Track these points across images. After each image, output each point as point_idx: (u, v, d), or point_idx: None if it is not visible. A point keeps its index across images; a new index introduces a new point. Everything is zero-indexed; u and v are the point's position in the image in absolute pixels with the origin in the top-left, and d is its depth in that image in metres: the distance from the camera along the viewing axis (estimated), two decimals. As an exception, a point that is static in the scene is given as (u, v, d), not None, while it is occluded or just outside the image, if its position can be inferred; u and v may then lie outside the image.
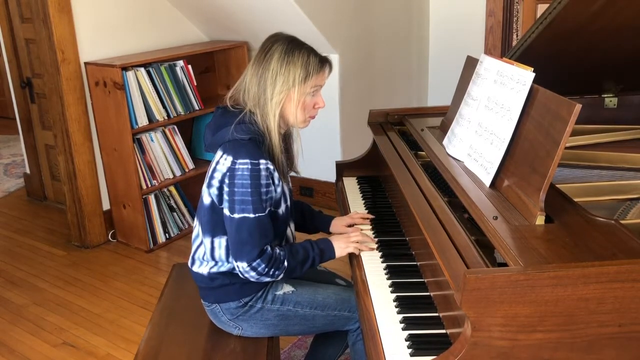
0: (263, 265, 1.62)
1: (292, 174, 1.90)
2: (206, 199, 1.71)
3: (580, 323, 1.10)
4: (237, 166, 1.60)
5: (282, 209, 1.72)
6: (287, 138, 1.81)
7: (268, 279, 1.67)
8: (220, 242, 1.72)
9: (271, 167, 1.63)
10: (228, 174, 1.61)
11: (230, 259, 1.71)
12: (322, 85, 1.71)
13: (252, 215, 1.60)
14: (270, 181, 1.64)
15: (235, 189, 1.60)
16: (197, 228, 1.78)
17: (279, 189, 1.68)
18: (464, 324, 1.13)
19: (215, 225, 1.70)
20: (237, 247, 1.62)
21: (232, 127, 1.64)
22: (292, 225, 1.84)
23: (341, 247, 1.76)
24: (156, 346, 1.75)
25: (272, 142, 1.66)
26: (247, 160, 1.59)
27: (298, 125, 1.73)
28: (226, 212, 1.64)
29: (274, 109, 1.64)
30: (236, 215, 1.60)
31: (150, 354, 1.72)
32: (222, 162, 1.64)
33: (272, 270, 1.64)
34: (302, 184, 3.97)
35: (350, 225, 1.93)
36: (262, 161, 1.60)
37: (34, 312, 2.85)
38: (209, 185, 1.68)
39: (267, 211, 1.64)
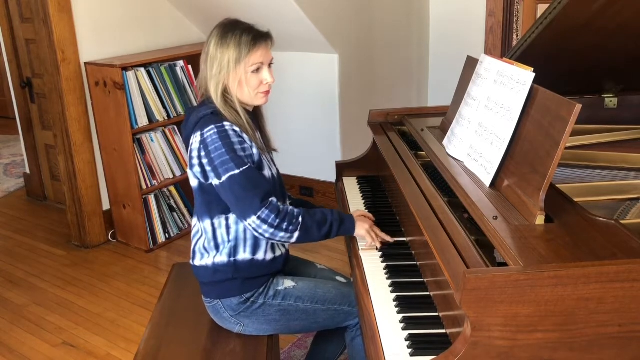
0: (273, 216, 1.63)
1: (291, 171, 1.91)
2: (193, 182, 1.75)
3: (580, 323, 1.10)
4: (205, 136, 1.66)
5: (267, 172, 1.73)
6: (259, 118, 1.85)
7: (283, 235, 1.65)
8: (220, 222, 1.73)
9: (237, 128, 1.67)
10: (201, 146, 1.66)
11: (231, 237, 1.72)
12: (263, 62, 1.72)
13: (237, 171, 1.63)
14: (242, 139, 1.67)
15: (212, 155, 1.64)
16: (195, 223, 1.81)
17: (254, 150, 1.70)
18: (464, 324, 1.13)
19: (210, 206, 1.73)
20: (239, 207, 1.64)
21: (195, 110, 1.73)
22: (287, 203, 1.85)
23: (364, 228, 1.77)
24: (156, 346, 1.75)
25: (229, 118, 1.70)
26: (212, 126, 1.65)
27: (251, 102, 1.76)
28: (214, 182, 1.66)
29: (214, 89, 1.70)
30: (224, 178, 1.63)
31: (150, 354, 1.72)
32: (194, 141, 1.70)
33: (285, 224, 1.64)
34: (302, 184, 3.97)
35: None
36: (226, 123, 1.67)
37: (34, 312, 2.85)
38: (191, 166, 1.72)
39: (250, 165, 1.66)
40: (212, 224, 1.74)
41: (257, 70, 1.71)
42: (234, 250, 1.73)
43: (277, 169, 1.84)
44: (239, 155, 1.64)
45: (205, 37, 3.94)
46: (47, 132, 3.91)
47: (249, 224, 1.65)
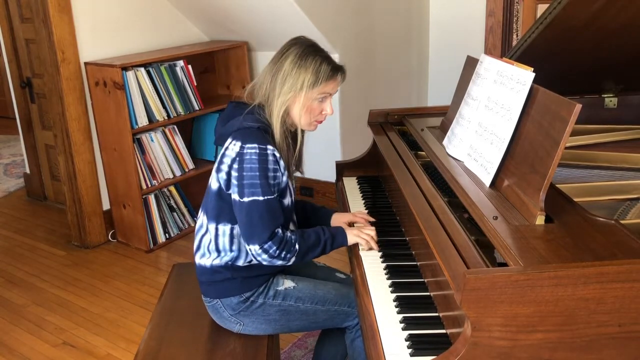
0: (274, 248, 1.64)
1: (297, 174, 1.91)
2: (214, 184, 1.74)
3: (580, 323, 1.10)
4: (245, 151, 1.63)
5: (287, 200, 1.74)
6: (296, 137, 1.81)
7: (280, 262, 1.68)
8: (225, 230, 1.73)
9: (277, 154, 1.66)
10: (237, 158, 1.65)
11: (234, 248, 1.73)
12: (331, 94, 1.74)
13: (261, 198, 1.62)
14: (278, 167, 1.67)
15: (244, 173, 1.63)
16: (201, 217, 1.80)
17: (284, 178, 1.70)
18: (464, 324, 1.13)
19: (221, 211, 1.73)
20: (249, 231, 1.64)
21: (241, 117, 1.69)
22: (291, 225, 1.85)
23: (353, 234, 1.78)
24: (156, 346, 1.75)
25: (275, 136, 1.70)
26: (255, 145, 1.63)
27: (302, 127, 1.76)
28: (235, 197, 1.66)
29: (278, 107, 1.69)
30: (246, 199, 1.63)
31: (150, 354, 1.72)
32: (231, 147, 1.67)
33: (284, 253, 1.66)
34: (302, 184, 3.97)
35: (351, 224, 1.93)
36: (270, 147, 1.65)
37: (34, 312, 2.85)
38: (218, 170, 1.71)
39: (275, 195, 1.66)
40: (217, 229, 1.74)
41: (322, 99, 1.72)
42: (234, 260, 1.74)
43: (294, 188, 1.84)
44: (269, 182, 1.64)
45: (206, 37, 3.97)
46: (47, 132, 3.91)
47: (250, 249, 1.66)
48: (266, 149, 1.64)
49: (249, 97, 1.78)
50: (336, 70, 1.72)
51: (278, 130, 1.70)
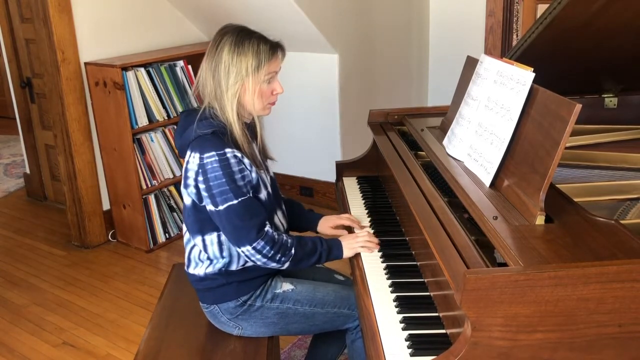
0: (268, 248, 1.63)
1: (278, 166, 1.87)
2: (187, 200, 1.72)
3: (580, 323, 1.10)
4: (205, 161, 1.61)
5: (262, 194, 1.72)
6: (253, 127, 1.79)
7: (274, 265, 1.67)
8: (212, 239, 1.72)
9: (238, 154, 1.63)
10: (200, 170, 1.62)
11: (225, 254, 1.72)
12: (277, 72, 1.71)
13: (235, 202, 1.61)
14: (243, 166, 1.64)
15: (211, 183, 1.61)
16: (186, 232, 1.79)
17: (253, 175, 1.67)
18: (464, 324, 1.13)
19: (202, 223, 1.71)
20: (235, 235, 1.63)
21: (194, 124, 1.65)
22: (279, 214, 1.83)
23: (349, 248, 1.76)
24: (156, 346, 1.75)
25: (235, 133, 1.67)
26: (213, 152, 1.60)
27: (258, 114, 1.74)
28: (210, 207, 1.64)
29: (230, 101, 1.66)
30: (221, 207, 1.61)
31: (150, 354, 1.72)
32: (191, 160, 1.65)
33: (279, 255, 1.65)
34: (302, 184, 3.97)
35: (339, 227, 1.92)
36: (228, 150, 1.61)
37: (34, 312, 2.85)
38: (186, 186, 1.69)
39: (249, 194, 1.65)
40: (203, 240, 1.73)
41: (270, 80, 1.69)
42: (227, 265, 1.73)
43: (271, 176, 1.82)
44: (239, 185, 1.62)
45: (206, 37, 3.96)
46: (47, 132, 3.91)
47: (243, 252, 1.65)
48: (225, 153, 1.60)
49: (198, 100, 1.74)
50: (275, 47, 1.69)
51: (237, 126, 1.66)
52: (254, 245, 1.62)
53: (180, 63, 3.49)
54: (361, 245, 1.75)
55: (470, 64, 1.89)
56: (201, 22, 3.86)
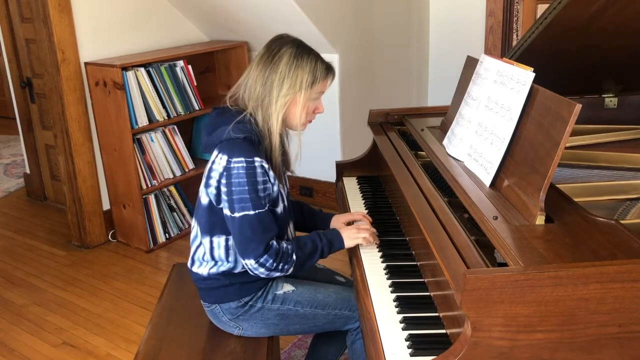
0: (271, 261, 1.63)
1: (288, 174, 1.89)
2: (204, 199, 1.71)
3: (580, 323, 1.10)
4: (232, 165, 1.60)
5: (279, 208, 1.73)
6: (282, 139, 1.80)
7: (278, 274, 1.68)
8: (219, 242, 1.72)
9: (266, 165, 1.63)
10: (225, 173, 1.62)
11: (230, 259, 1.72)
12: (324, 92, 1.75)
13: (252, 212, 1.60)
14: (267, 178, 1.64)
15: (233, 188, 1.60)
16: (195, 229, 1.78)
17: (275, 188, 1.68)
18: (464, 324, 1.13)
19: (214, 224, 1.71)
20: (242, 245, 1.63)
21: (229, 126, 1.64)
22: (291, 225, 1.85)
23: (350, 237, 1.77)
24: (156, 346, 1.75)
25: (273, 143, 1.68)
26: (242, 159, 1.60)
27: (296, 128, 1.75)
28: (226, 211, 1.64)
29: (277, 111, 1.66)
30: (237, 214, 1.61)
31: (150, 354, 1.72)
32: (217, 161, 1.64)
33: (281, 265, 1.65)
34: (302, 184, 3.97)
35: (349, 223, 1.93)
36: (257, 159, 1.61)
37: (34, 312, 2.85)
38: (207, 185, 1.68)
39: (266, 207, 1.64)
40: (211, 242, 1.73)
41: (316, 98, 1.72)
42: (231, 269, 1.73)
43: (287, 188, 1.82)
44: (260, 195, 1.61)
45: (206, 37, 3.96)
46: (47, 132, 3.91)
47: (246, 264, 1.65)
48: (253, 162, 1.60)
49: (232, 102, 1.74)
50: (330, 68, 1.73)
51: (277, 137, 1.67)
52: (258, 260, 1.62)
53: (180, 63, 3.49)
54: (362, 236, 1.76)
55: (470, 64, 1.89)
56: (201, 22, 3.86)
